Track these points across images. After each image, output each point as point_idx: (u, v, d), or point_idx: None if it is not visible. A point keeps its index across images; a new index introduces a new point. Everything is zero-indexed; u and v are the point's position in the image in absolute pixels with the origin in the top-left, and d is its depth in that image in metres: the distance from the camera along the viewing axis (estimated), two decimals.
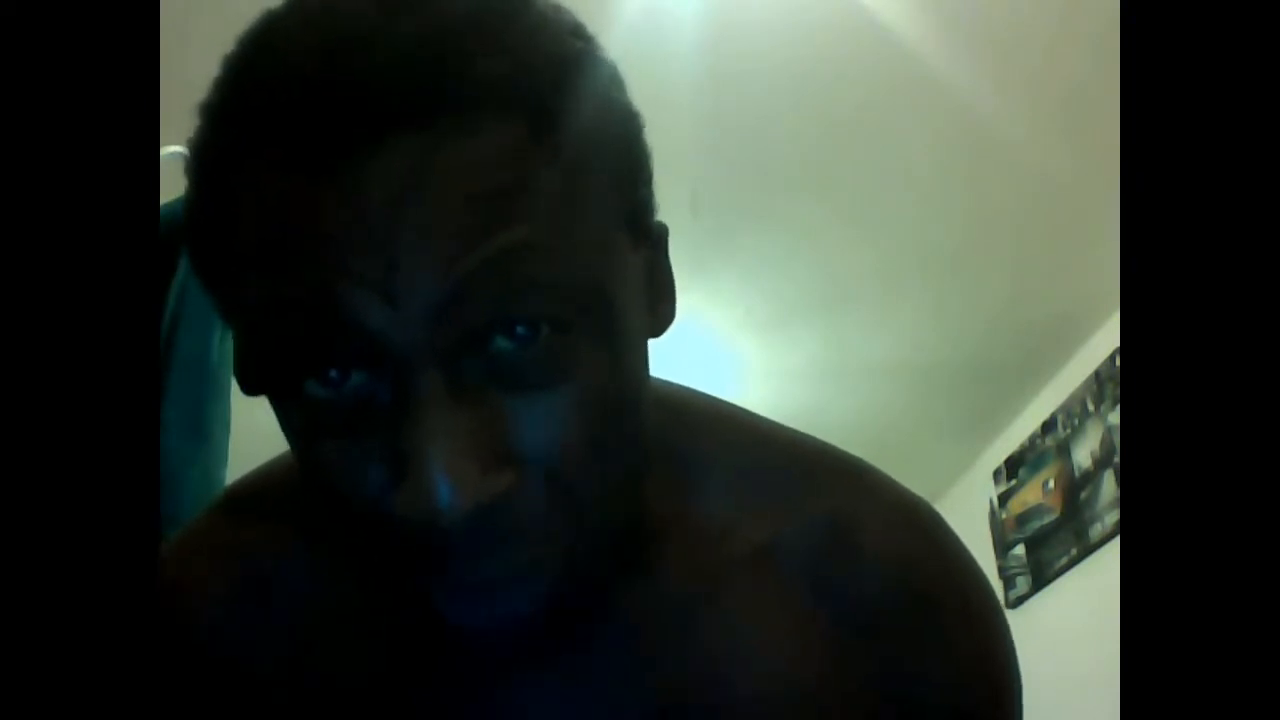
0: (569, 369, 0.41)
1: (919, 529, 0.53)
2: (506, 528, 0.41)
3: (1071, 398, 3.13)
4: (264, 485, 0.56)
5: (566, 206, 0.40)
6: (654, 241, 0.47)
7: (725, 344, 3.04)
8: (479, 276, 0.38)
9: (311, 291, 0.38)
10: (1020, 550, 3.44)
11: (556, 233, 0.40)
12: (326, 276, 0.38)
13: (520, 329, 0.39)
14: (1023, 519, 3.43)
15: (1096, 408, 2.98)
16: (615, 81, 0.45)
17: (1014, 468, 3.52)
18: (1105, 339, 2.97)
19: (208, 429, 1.43)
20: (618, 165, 0.44)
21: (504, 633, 0.43)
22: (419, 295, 0.38)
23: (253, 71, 0.40)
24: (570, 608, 0.44)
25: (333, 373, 0.40)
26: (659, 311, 0.48)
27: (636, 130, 0.46)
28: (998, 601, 0.54)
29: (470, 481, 0.38)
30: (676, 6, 1.99)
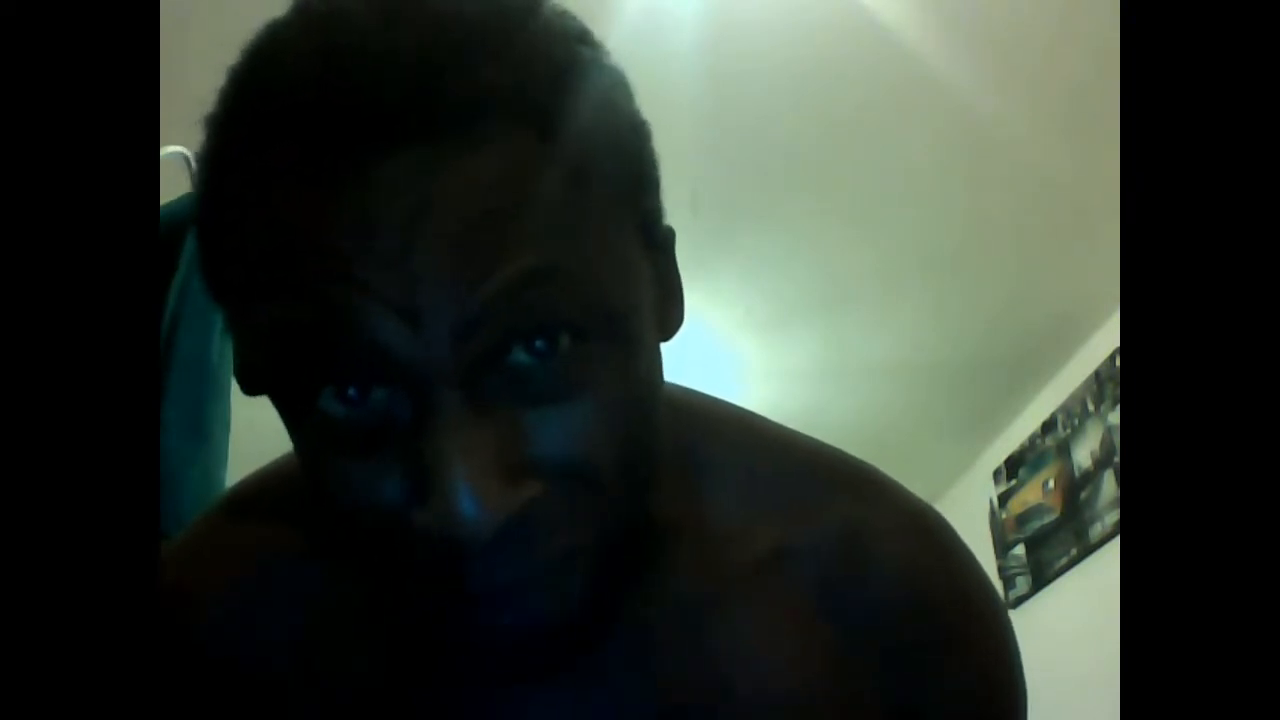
0: (587, 379, 0.41)
1: (929, 538, 0.53)
2: (532, 537, 0.40)
3: (1071, 398, 3.13)
4: (266, 487, 0.55)
5: (577, 217, 0.40)
6: (661, 246, 0.47)
7: (725, 344, 3.04)
8: (499, 299, 0.38)
9: (326, 307, 0.38)
10: (1020, 550, 3.44)
11: (569, 246, 0.39)
12: (340, 292, 0.38)
13: (539, 343, 0.39)
14: (1023, 519, 3.43)
15: (1096, 408, 2.98)
16: (622, 89, 0.45)
17: (1014, 468, 3.52)
18: (1105, 339, 2.97)
19: (208, 429, 1.43)
20: (626, 173, 0.43)
21: (530, 643, 0.43)
22: (439, 316, 0.38)
23: (257, 83, 0.40)
24: (597, 615, 0.44)
25: (351, 391, 0.40)
26: (668, 315, 0.48)
27: (644, 138, 0.46)
28: (1005, 612, 0.55)
29: (494, 496, 0.38)
30: (676, 6, 1.99)
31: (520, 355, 0.39)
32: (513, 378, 0.40)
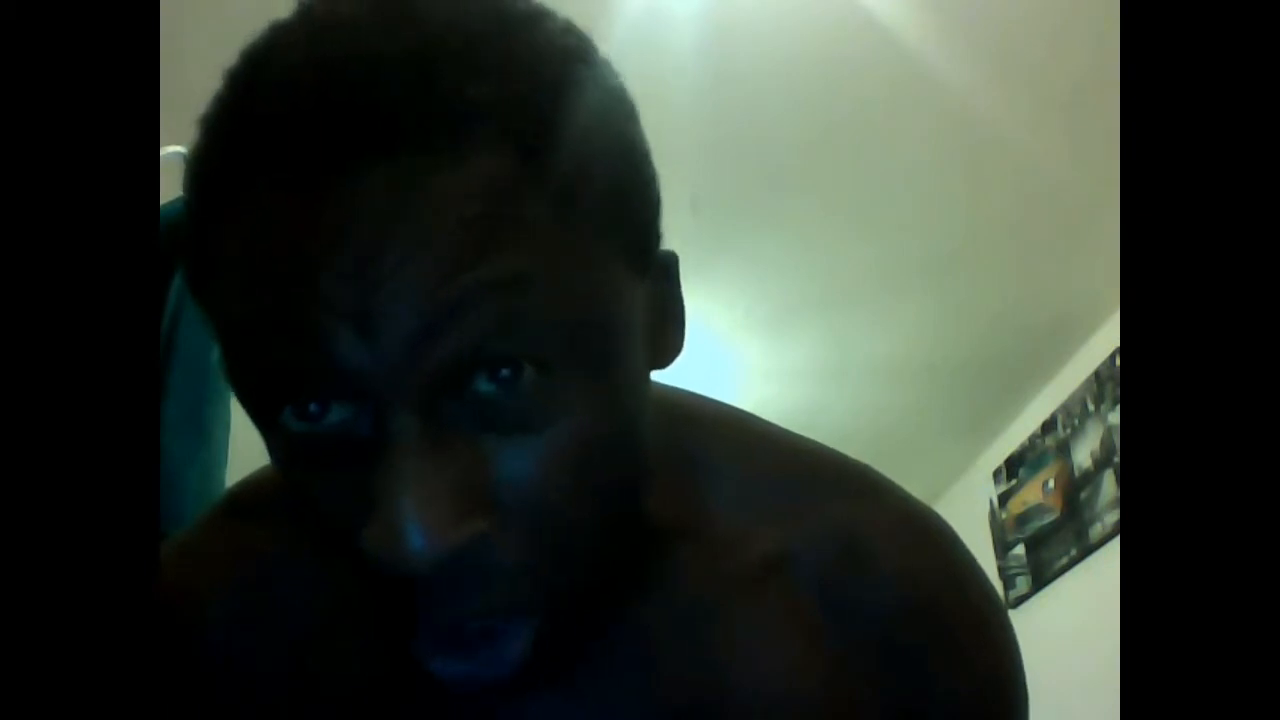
0: (554, 412, 0.39)
1: (930, 542, 0.53)
2: (481, 574, 0.39)
3: (1071, 398, 3.13)
4: (266, 487, 0.55)
5: (556, 236, 0.39)
6: (660, 271, 0.46)
7: (725, 344, 3.04)
8: (458, 308, 0.37)
9: (288, 319, 0.37)
10: (1020, 550, 3.44)
11: (543, 265, 0.38)
12: (302, 304, 0.37)
13: (503, 370, 0.38)
14: (1023, 519, 3.43)
15: (1096, 408, 2.98)
16: (619, 109, 0.44)
17: (1014, 468, 3.52)
18: (1105, 339, 2.97)
19: (208, 429, 1.43)
20: (616, 196, 0.42)
21: (486, 690, 0.42)
22: (394, 326, 0.37)
23: (249, 87, 0.40)
24: (557, 653, 0.43)
25: (313, 406, 0.39)
26: (664, 342, 0.47)
27: (640, 160, 0.44)
28: (1007, 616, 0.54)
29: (441, 528, 0.37)
30: (676, 6, 1.99)
31: (484, 384, 0.38)
32: (476, 407, 0.39)
